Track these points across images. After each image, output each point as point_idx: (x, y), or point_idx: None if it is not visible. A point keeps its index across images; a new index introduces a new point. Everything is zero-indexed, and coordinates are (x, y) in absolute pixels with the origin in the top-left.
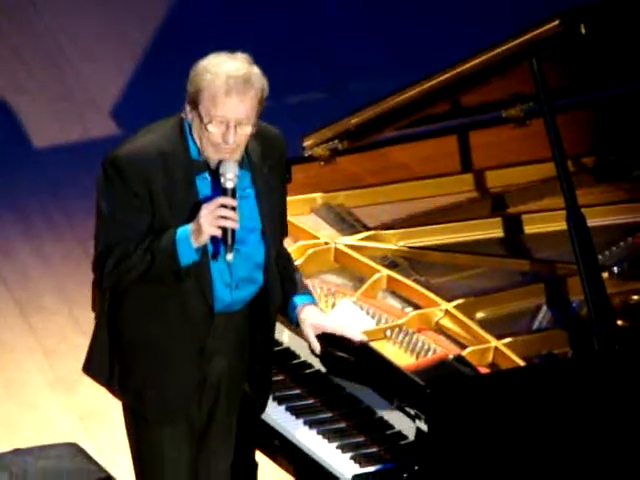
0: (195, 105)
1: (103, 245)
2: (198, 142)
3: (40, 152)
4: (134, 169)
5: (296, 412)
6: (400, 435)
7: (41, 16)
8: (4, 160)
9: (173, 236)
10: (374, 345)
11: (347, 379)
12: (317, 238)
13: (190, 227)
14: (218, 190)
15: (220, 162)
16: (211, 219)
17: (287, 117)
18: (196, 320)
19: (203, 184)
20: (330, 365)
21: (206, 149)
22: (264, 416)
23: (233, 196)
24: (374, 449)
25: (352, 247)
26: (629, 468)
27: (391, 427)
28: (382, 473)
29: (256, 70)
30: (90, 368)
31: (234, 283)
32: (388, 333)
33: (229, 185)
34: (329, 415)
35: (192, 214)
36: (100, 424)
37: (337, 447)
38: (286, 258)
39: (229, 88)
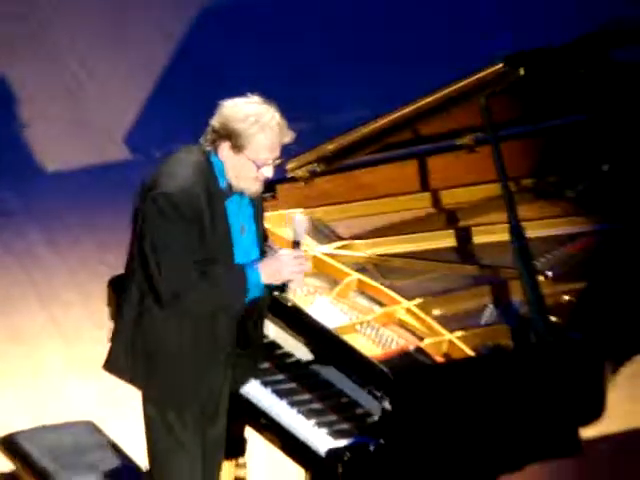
0: (240, 149)
1: (173, 278)
2: (232, 177)
3: (59, 171)
4: (188, 204)
5: (279, 394)
6: (368, 414)
7: (55, 41)
8: (25, 178)
9: (244, 281)
10: (346, 337)
11: (323, 366)
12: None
13: (261, 272)
14: (240, 210)
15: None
16: (292, 267)
17: None
18: (221, 334)
19: (229, 207)
20: (309, 355)
21: (242, 182)
22: (253, 398)
23: (299, 246)
24: (346, 426)
25: (328, 255)
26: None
27: (360, 407)
28: (353, 446)
29: None
30: (112, 366)
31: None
32: (358, 327)
33: (300, 238)
34: (307, 397)
35: (224, 239)
36: (116, 407)
37: (314, 424)
38: None
39: (283, 136)
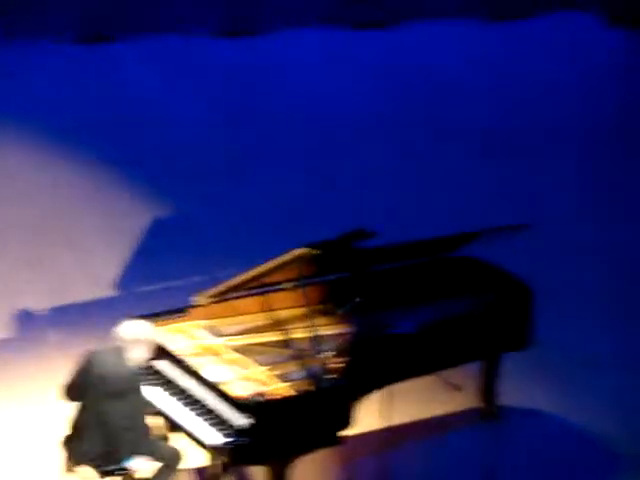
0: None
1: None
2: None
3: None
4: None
5: (195, 416)
6: (240, 426)
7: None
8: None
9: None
10: (227, 386)
11: (215, 401)
12: (201, 339)
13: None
14: None
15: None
16: (139, 468)
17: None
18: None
19: None
20: (208, 397)
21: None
22: (178, 418)
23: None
24: (229, 431)
25: (220, 344)
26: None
27: (237, 421)
28: (235, 441)
29: None
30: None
31: None
32: (235, 380)
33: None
34: (208, 417)
35: None
36: None
37: (215, 430)
38: None
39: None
